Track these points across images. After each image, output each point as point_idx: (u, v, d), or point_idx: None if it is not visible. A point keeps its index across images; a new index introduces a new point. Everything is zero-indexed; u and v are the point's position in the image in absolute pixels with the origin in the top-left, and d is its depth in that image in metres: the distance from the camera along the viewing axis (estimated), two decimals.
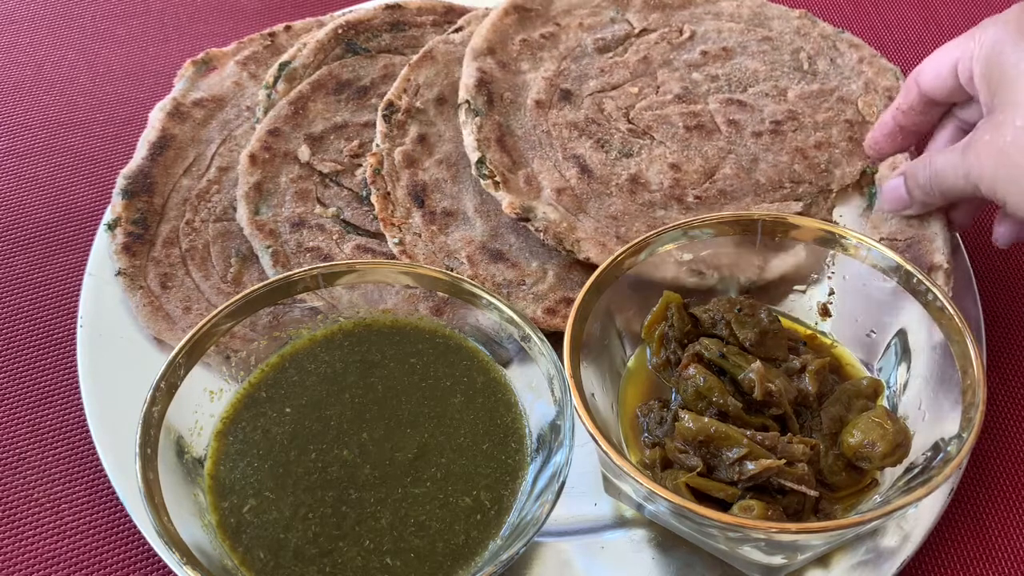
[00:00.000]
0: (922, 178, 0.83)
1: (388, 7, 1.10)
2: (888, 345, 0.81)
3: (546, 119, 0.99)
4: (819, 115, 1.03)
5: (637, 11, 1.10)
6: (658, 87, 1.04)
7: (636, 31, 1.08)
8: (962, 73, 0.80)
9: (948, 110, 0.87)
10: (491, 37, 1.02)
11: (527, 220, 0.90)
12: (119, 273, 0.91)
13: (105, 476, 0.81)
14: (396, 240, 0.91)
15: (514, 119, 0.98)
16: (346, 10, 1.13)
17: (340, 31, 1.07)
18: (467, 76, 0.99)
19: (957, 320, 0.75)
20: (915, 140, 0.91)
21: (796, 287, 0.86)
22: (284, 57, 1.05)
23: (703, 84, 1.04)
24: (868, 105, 1.04)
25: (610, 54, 1.06)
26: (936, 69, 0.83)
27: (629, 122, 1.00)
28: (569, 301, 0.89)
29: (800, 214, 0.93)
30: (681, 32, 1.08)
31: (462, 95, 0.98)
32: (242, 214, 0.94)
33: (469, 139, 0.95)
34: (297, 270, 0.81)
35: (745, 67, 1.06)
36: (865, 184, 0.99)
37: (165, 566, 0.78)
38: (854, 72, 1.07)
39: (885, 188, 0.90)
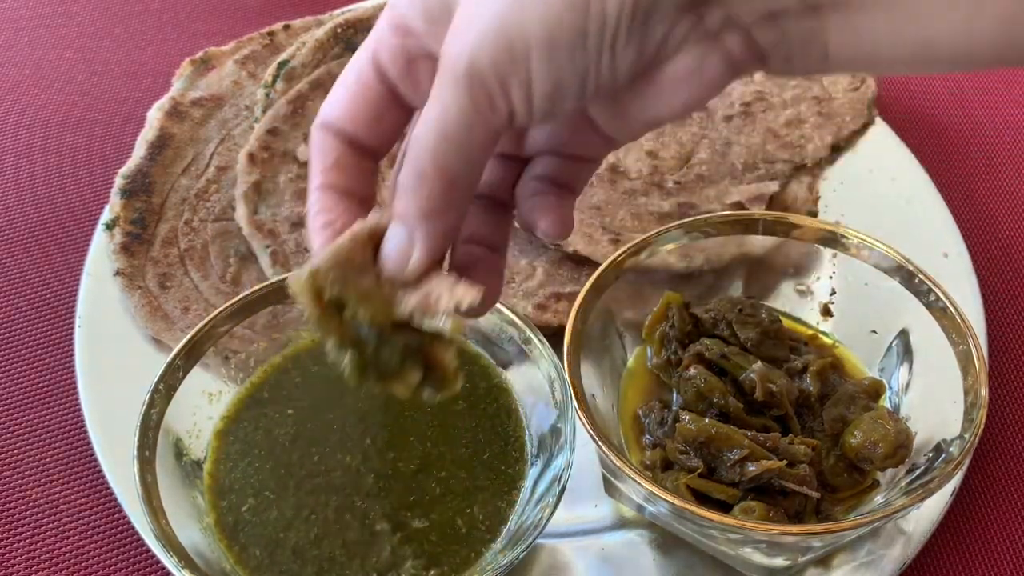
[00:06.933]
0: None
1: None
2: (890, 345, 0.80)
3: None
4: (787, 93, 1.04)
5: None
6: None
7: None
8: (393, 67, 0.52)
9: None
10: None
11: None
12: (117, 273, 0.90)
13: (103, 477, 0.80)
14: None
15: None
16: (345, 9, 1.13)
17: (339, 30, 1.06)
18: None
19: (959, 320, 0.74)
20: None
21: (797, 287, 0.86)
22: (283, 56, 1.04)
23: None
24: (833, 83, 1.06)
25: None
26: (353, 100, 0.53)
27: None
28: (559, 296, 0.89)
29: (779, 192, 0.95)
30: None
31: None
32: (241, 214, 0.93)
33: None
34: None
35: None
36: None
37: (164, 569, 0.78)
38: None
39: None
